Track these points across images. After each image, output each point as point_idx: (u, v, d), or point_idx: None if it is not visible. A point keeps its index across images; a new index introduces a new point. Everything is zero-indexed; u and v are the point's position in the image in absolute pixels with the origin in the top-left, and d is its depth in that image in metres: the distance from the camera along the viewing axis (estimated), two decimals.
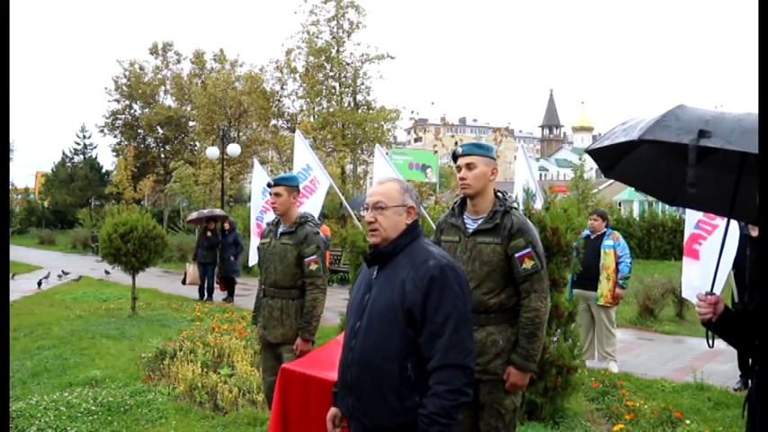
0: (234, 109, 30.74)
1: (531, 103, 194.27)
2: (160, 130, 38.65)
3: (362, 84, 27.19)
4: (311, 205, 7.83)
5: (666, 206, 23.95)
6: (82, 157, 44.42)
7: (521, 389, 2.95)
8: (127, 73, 38.85)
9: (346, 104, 27.10)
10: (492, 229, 2.91)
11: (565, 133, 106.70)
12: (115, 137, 40.33)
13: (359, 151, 27.00)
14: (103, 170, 43.41)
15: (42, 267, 18.34)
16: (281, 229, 4.12)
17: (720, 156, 2.18)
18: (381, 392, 2.10)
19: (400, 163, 20.39)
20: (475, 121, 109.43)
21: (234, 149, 20.92)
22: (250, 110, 29.91)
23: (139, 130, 39.65)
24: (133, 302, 10.03)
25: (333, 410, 2.38)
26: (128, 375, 6.06)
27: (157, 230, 9.73)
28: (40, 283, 14.15)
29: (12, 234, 30.47)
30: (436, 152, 20.70)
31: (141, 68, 39.05)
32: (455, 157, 3.04)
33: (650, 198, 26.54)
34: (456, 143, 6.73)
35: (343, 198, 11.95)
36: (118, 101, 39.52)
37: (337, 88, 27.20)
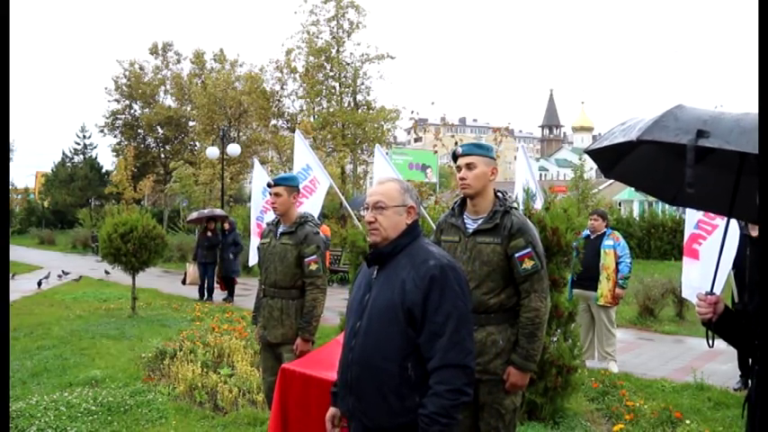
0: (234, 109, 30.74)
1: (531, 103, 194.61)
2: (160, 130, 38.65)
3: (362, 84, 27.17)
4: (310, 205, 7.82)
5: (666, 206, 23.98)
6: (82, 157, 44.42)
7: (521, 389, 2.95)
8: (127, 73, 38.86)
9: (346, 104, 27.09)
10: (492, 229, 2.91)
11: (565, 133, 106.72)
12: (115, 137, 40.37)
13: (359, 151, 26.98)
14: (103, 170, 43.38)
15: (42, 267, 18.34)
16: (281, 229, 4.12)
17: (720, 155, 2.18)
18: (382, 392, 2.10)
19: (400, 163, 20.41)
20: (475, 121, 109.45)
21: (234, 149, 20.93)
22: (250, 110, 29.92)
23: (139, 130, 39.64)
24: (133, 302, 10.03)
25: (331, 410, 2.38)
26: (128, 375, 6.06)
27: (157, 230, 9.73)
28: (40, 283, 14.15)
29: (12, 234, 30.48)
30: (436, 152, 20.70)
31: (141, 68, 39.07)
32: (455, 157, 3.04)
33: (650, 198, 26.55)
34: (456, 143, 6.73)
35: (343, 198, 11.95)
36: (118, 101, 39.54)
37: (337, 88, 27.18)
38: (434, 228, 3.32)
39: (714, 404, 5.37)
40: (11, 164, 11.59)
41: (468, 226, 3.00)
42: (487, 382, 2.87)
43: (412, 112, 28.17)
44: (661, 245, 20.87)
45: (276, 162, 28.20)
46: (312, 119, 27.33)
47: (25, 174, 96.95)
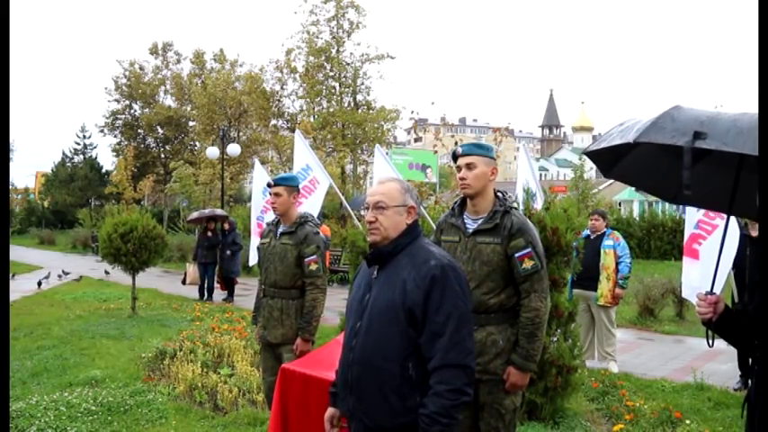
0: (234, 109, 30.76)
1: (531, 103, 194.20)
2: (160, 130, 38.67)
3: (362, 84, 27.18)
4: (310, 205, 7.82)
5: (666, 206, 24.02)
6: (82, 157, 44.43)
7: (521, 389, 2.95)
8: (127, 73, 38.87)
9: (346, 104, 27.10)
10: (492, 229, 2.91)
11: (565, 133, 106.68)
12: (115, 137, 40.39)
13: (359, 151, 26.99)
14: (103, 170, 43.40)
15: (42, 267, 18.35)
16: (280, 229, 4.12)
17: (719, 153, 2.17)
18: (382, 392, 2.11)
19: (400, 163, 20.40)
20: (475, 121, 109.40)
21: (234, 149, 20.93)
22: (250, 110, 29.93)
23: (139, 130, 39.65)
24: (133, 302, 10.04)
25: (330, 411, 2.37)
26: (128, 375, 6.06)
27: (157, 230, 9.73)
28: (40, 283, 14.15)
29: (12, 234, 30.48)
30: (436, 152, 20.71)
31: (141, 68, 39.08)
32: (455, 157, 3.04)
33: (650, 198, 26.59)
34: (456, 143, 6.73)
35: (343, 198, 11.95)
36: (118, 101, 39.56)
37: (337, 88, 27.19)
38: (434, 228, 3.32)
39: (714, 404, 5.37)
40: (11, 164, 11.60)
41: (468, 226, 3.00)
42: (487, 382, 2.87)
43: (412, 112, 28.24)
44: (661, 245, 20.88)
45: (276, 162, 28.21)
46: (312, 119, 27.34)
47: (25, 174, 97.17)
